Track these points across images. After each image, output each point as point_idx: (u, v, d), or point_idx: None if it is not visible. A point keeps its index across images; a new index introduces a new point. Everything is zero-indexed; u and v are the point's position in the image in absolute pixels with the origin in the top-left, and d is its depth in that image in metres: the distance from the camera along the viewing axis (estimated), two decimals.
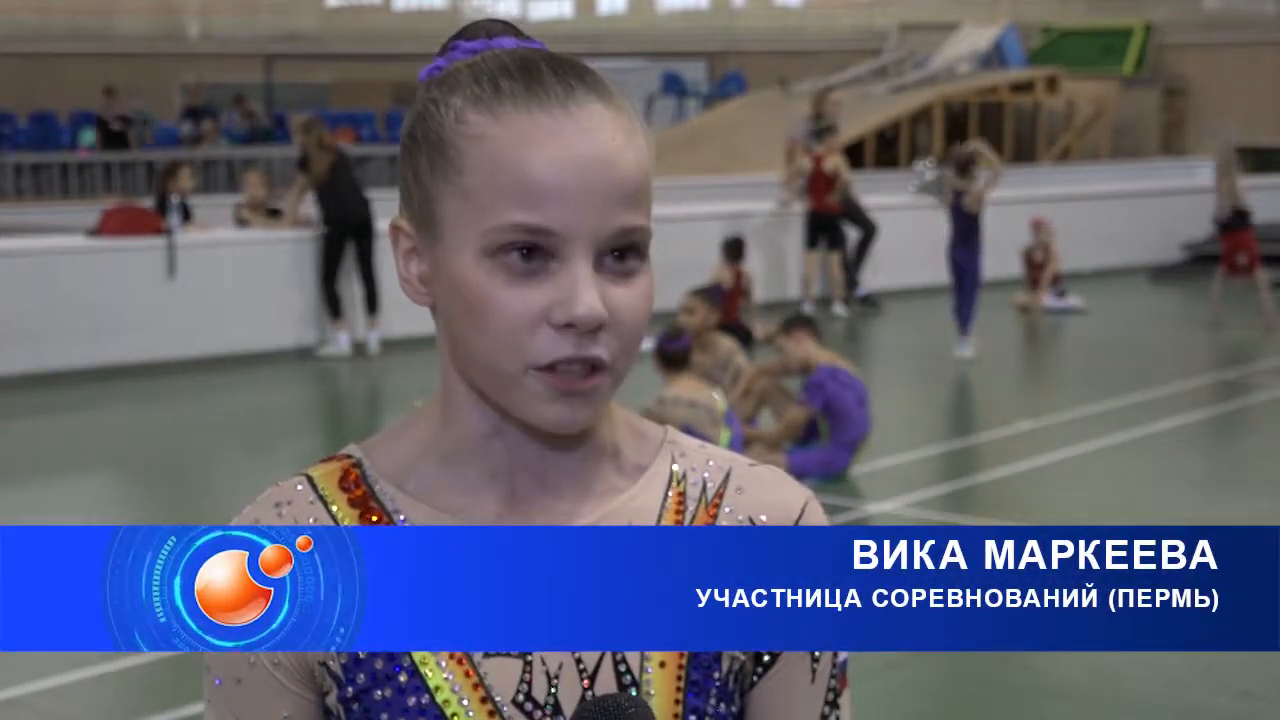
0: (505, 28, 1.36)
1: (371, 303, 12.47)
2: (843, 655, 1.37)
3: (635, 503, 1.35)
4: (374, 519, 1.33)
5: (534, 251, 1.25)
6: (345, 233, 12.39)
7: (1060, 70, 26.11)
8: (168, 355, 11.79)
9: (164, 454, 9.26)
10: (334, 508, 1.34)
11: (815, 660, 1.36)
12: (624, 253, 1.27)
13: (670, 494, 1.36)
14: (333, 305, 12.43)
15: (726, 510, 1.36)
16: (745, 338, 11.93)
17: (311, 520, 1.33)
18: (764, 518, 1.35)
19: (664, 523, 1.35)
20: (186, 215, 12.59)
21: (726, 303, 11.77)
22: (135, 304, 11.77)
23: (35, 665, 5.36)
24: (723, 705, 1.33)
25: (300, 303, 12.56)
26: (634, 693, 1.30)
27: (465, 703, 1.29)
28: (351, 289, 12.58)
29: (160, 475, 8.79)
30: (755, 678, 1.36)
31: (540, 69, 1.28)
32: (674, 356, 7.46)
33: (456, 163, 1.27)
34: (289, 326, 12.51)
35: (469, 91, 1.28)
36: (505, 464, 1.34)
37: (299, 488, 1.35)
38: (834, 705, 1.37)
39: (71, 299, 11.50)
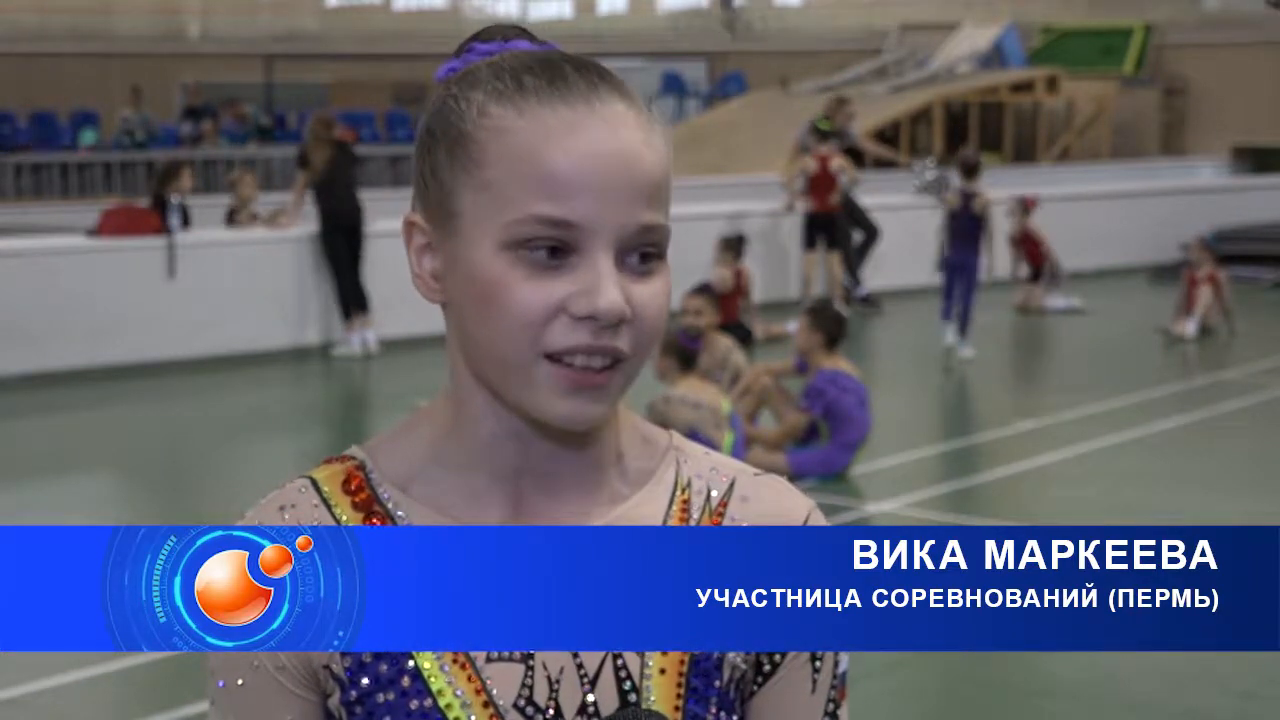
0: (521, 32, 1.37)
1: (362, 303, 12.43)
2: (843, 665, 1.37)
3: (640, 509, 1.35)
4: (378, 523, 1.32)
5: (555, 244, 1.24)
6: (340, 231, 12.33)
7: (1060, 70, 26.09)
8: (168, 355, 11.78)
9: (164, 454, 9.26)
10: (338, 511, 1.33)
11: (816, 670, 1.36)
12: (644, 250, 1.27)
13: (675, 501, 1.36)
14: (345, 306, 12.40)
15: (730, 519, 1.35)
16: (745, 337, 11.92)
17: (315, 524, 1.32)
18: None
19: None
20: (186, 219, 12.55)
21: (726, 302, 11.76)
22: (135, 304, 11.76)
23: (35, 665, 5.36)
24: (723, 713, 1.33)
25: (299, 303, 12.55)
26: (634, 699, 1.30)
27: (467, 706, 1.29)
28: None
29: (160, 475, 8.79)
30: (755, 686, 1.35)
31: (563, 67, 1.28)
32: (690, 356, 7.52)
33: (477, 156, 1.27)
34: (288, 326, 12.50)
35: (490, 87, 1.28)
36: (513, 466, 1.33)
37: (302, 490, 1.34)
38: (833, 716, 1.37)
39: (71, 299, 11.49)
